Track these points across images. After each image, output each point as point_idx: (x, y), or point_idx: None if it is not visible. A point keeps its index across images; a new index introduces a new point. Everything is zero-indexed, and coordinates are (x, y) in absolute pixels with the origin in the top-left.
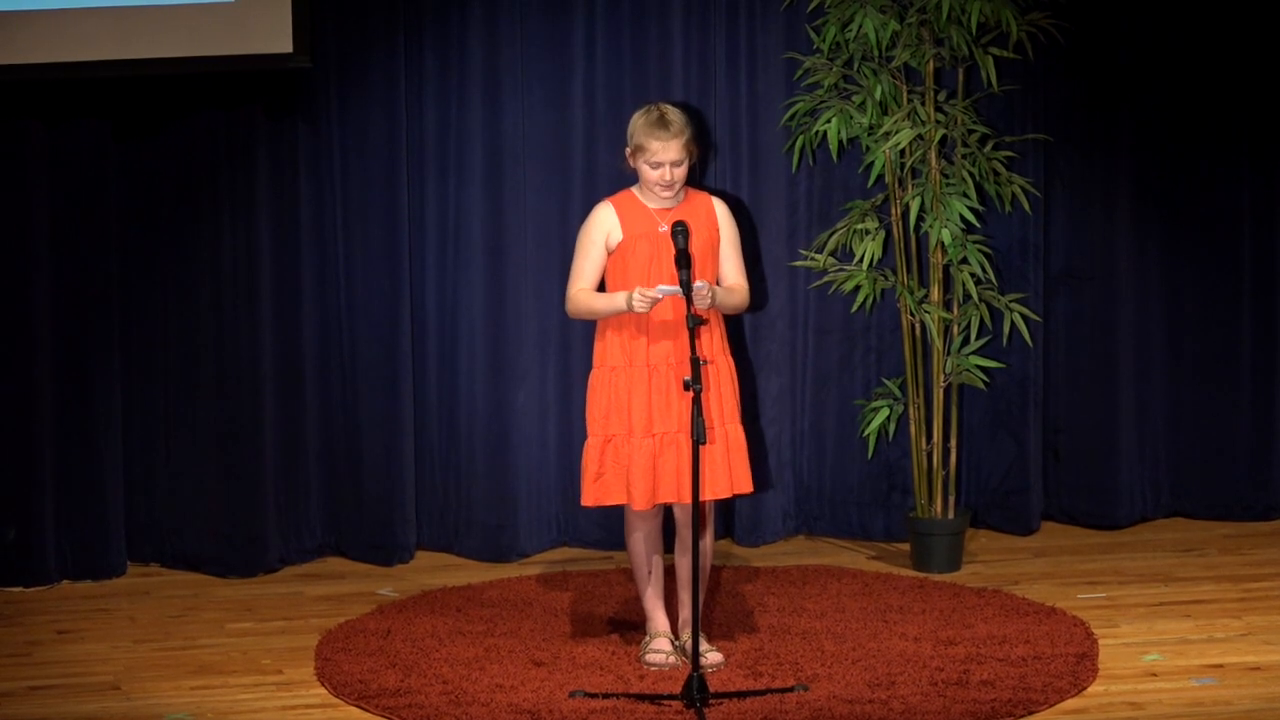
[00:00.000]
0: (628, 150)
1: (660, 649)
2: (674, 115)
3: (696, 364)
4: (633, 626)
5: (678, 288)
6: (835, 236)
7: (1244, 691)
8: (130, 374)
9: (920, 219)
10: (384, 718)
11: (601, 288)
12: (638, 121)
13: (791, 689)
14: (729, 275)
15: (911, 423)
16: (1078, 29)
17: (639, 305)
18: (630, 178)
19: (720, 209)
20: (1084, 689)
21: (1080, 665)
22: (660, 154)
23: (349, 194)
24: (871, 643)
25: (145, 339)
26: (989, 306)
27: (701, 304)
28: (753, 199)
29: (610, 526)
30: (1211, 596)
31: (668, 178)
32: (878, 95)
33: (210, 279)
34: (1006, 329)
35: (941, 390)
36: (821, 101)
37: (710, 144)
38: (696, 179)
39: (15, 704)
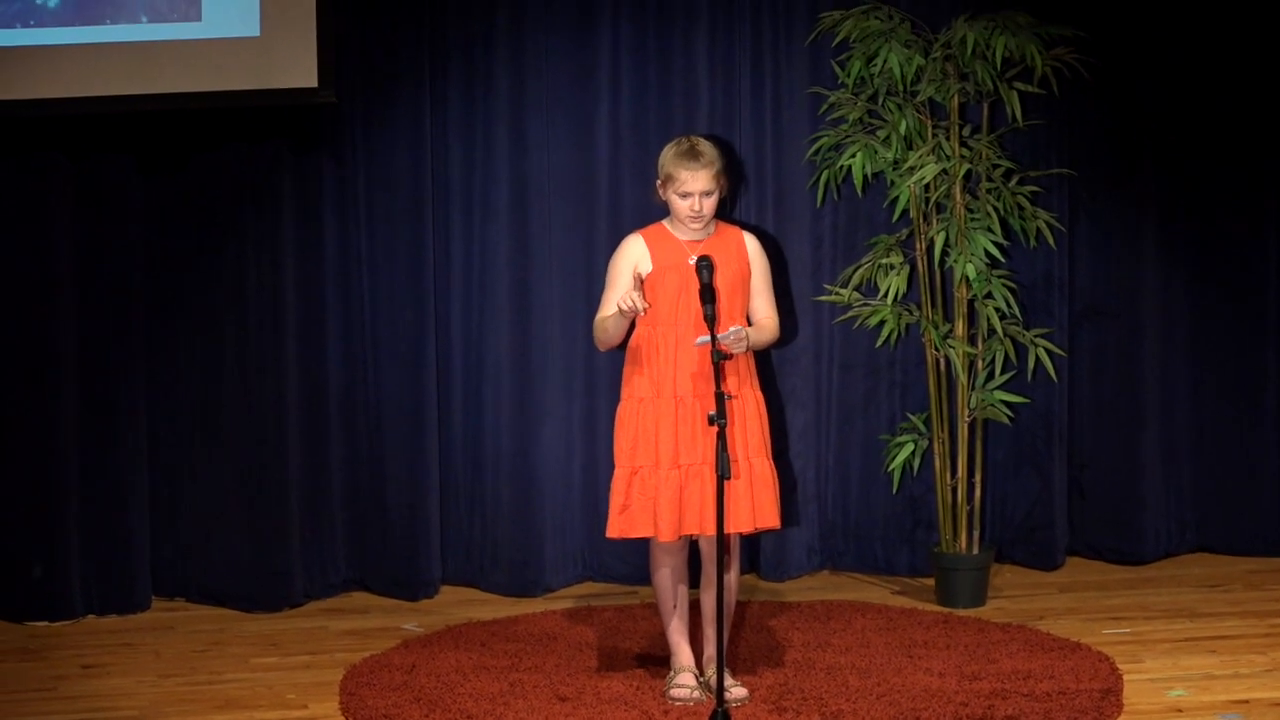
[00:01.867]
0: (658, 182)
1: (685, 684)
2: (705, 146)
3: (721, 399)
4: (658, 661)
5: (708, 337)
6: (860, 271)
7: None
8: (155, 409)
9: (945, 253)
10: None
11: (632, 323)
12: (668, 152)
13: None
14: (759, 310)
15: (936, 457)
16: (1103, 64)
17: (629, 309)
18: (660, 211)
19: (751, 244)
20: None
21: (1105, 701)
22: (690, 184)
23: (374, 229)
24: (896, 678)
25: (170, 374)
26: (1013, 341)
27: (737, 348)
28: (778, 233)
29: (635, 561)
30: (1237, 632)
31: (697, 208)
32: (902, 130)
33: (235, 314)
34: (1031, 364)
35: (966, 425)
36: (846, 136)
37: (741, 177)
38: (727, 213)
39: None
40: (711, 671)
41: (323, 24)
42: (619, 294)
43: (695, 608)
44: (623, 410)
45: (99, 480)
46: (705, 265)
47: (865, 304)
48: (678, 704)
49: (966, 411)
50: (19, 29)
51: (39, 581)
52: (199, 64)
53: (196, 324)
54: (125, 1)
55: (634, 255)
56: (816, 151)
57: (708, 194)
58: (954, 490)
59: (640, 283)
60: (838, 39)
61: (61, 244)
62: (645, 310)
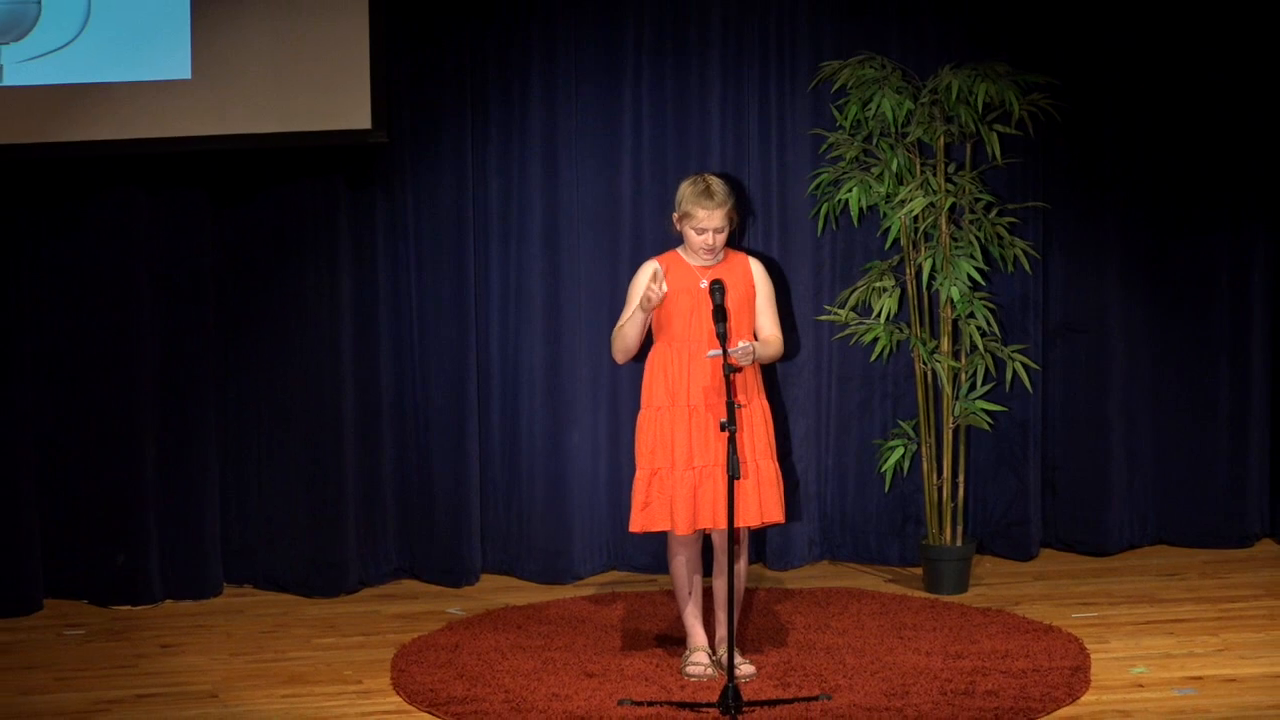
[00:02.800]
0: (675, 215)
1: (699, 662)
2: (718, 186)
3: (731, 407)
4: (675, 642)
5: (719, 351)
6: (856, 293)
7: (1221, 701)
8: (226, 417)
9: (932, 278)
10: None
11: (650, 338)
12: (685, 190)
13: (816, 698)
14: (764, 328)
15: (924, 460)
16: (1073, 108)
17: (650, 297)
18: (676, 239)
19: (757, 269)
20: (1078, 698)
21: (1074, 677)
22: (705, 221)
23: (421, 255)
24: (888, 656)
25: (239, 386)
26: (993, 356)
27: (744, 361)
28: (782, 259)
29: (655, 552)
30: (1192, 616)
31: (710, 242)
32: (894, 167)
33: (297, 330)
34: (1009, 376)
35: (951, 431)
36: (844, 172)
37: (750, 210)
38: (735, 241)
39: (124, 711)
40: (723, 651)
41: (376, 72)
42: (634, 305)
43: (708, 594)
44: (642, 418)
45: (176, 479)
46: (718, 288)
47: (861, 323)
48: (693, 680)
49: (951, 419)
50: (108, 71)
51: (122, 570)
52: (266, 106)
53: (263, 339)
54: (211, 62)
55: (649, 271)
56: (817, 186)
57: (719, 230)
58: (940, 489)
59: (661, 288)
60: (836, 86)
61: (141, 268)
62: (664, 293)
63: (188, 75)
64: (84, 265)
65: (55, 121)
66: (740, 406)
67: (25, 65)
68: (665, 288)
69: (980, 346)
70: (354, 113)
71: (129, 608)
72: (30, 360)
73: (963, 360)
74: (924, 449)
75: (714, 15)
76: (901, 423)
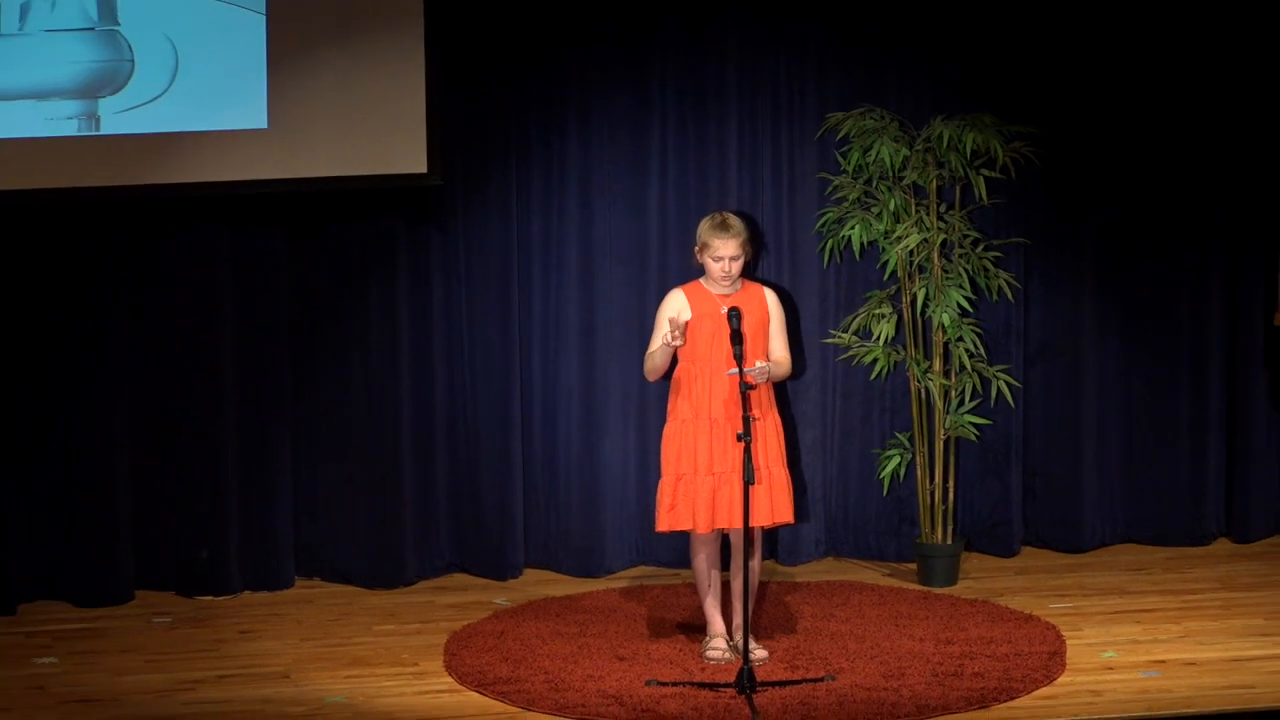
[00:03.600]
0: (696, 248)
1: (718, 647)
2: (733, 220)
3: (747, 420)
4: (696, 629)
5: (737, 369)
6: (858, 319)
7: (1182, 682)
8: (297, 429)
9: (925, 305)
10: (497, 701)
11: (675, 358)
12: (705, 225)
13: (821, 679)
14: (776, 350)
15: (918, 467)
16: (1051, 155)
17: (672, 340)
18: (698, 271)
19: (770, 297)
20: (1054, 679)
21: (1052, 661)
22: (722, 250)
23: (471, 287)
24: (885, 642)
25: (310, 401)
26: (980, 375)
27: (759, 379)
28: (792, 289)
29: (679, 549)
30: (1157, 607)
31: (727, 269)
32: (891, 207)
33: (361, 352)
34: (994, 393)
35: (942, 442)
36: (847, 212)
37: (763, 244)
38: (750, 272)
39: (205, 689)
40: (739, 637)
41: (431, 122)
42: (662, 335)
43: (726, 586)
44: (668, 429)
45: (253, 484)
46: (735, 314)
47: (862, 345)
48: (712, 663)
49: (942, 431)
50: (195, 121)
51: (205, 564)
52: (333, 153)
53: (331, 359)
54: (287, 113)
55: (676, 305)
56: (823, 224)
57: (735, 258)
58: (932, 493)
59: (683, 327)
60: (840, 135)
61: (224, 297)
62: (681, 343)
63: (264, 125)
64: (174, 292)
65: (148, 166)
66: (755, 419)
67: (121, 116)
68: (683, 339)
69: (968, 366)
70: (411, 159)
71: (211, 598)
72: (125, 377)
73: (952, 379)
74: (918, 458)
75: (730, 73)
76: (898, 434)
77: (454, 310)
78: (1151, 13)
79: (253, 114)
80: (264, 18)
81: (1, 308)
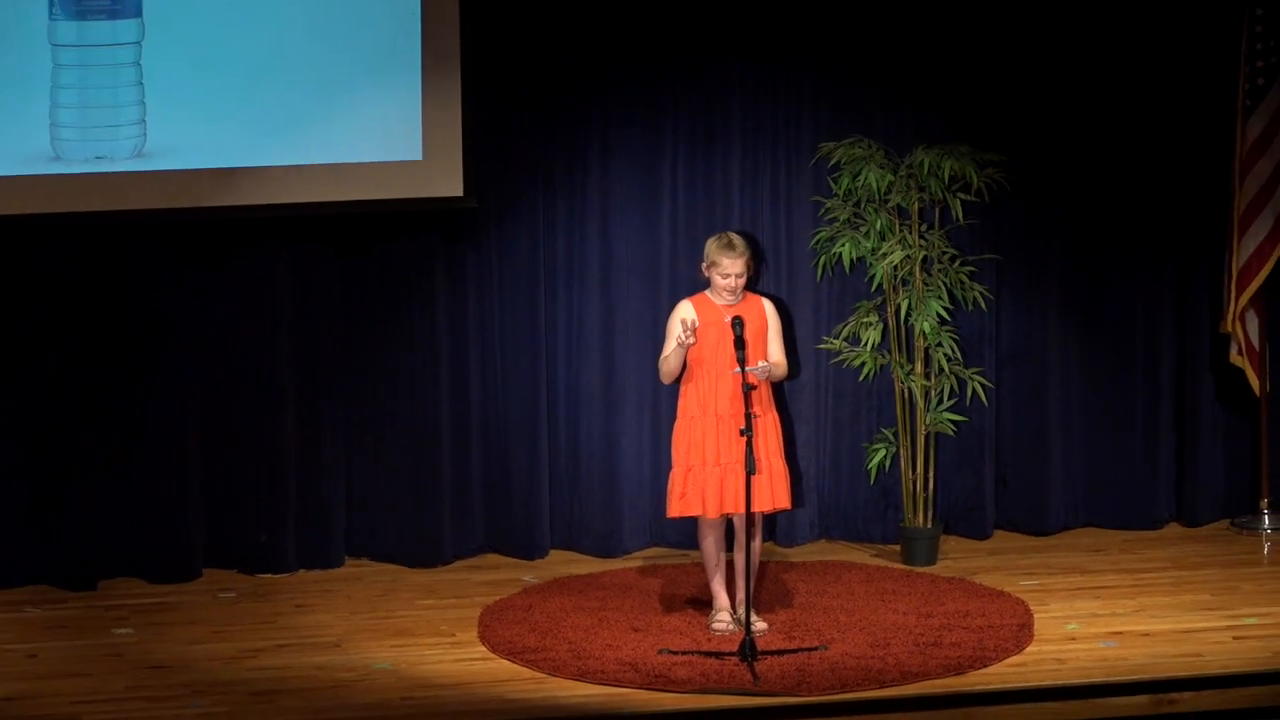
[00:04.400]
0: (704, 265)
1: (723, 620)
2: (738, 240)
3: (749, 417)
4: (703, 604)
5: (740, 369)
6: (848, 327)
7: (1137, 651)
8: (349, 423)
9: (908, 315)
10: (526, 667)
11: (685, 365)
12: (712, 245)
13: (815, 648)
14: (774, 354)
15: (901, 459)
16: (1020, 180)
17: (685, 338)
18: (705, 283)
19: (768, 307)
20: (1023, 649)
21: (1021, 632)
22: (729, 268)
23: (503, 297)
24: (872, 616)
25: (358, 399)
26: (956, 377)
27: (759, 378)
28: (789, 299)
29: (688, 532)
30: (1114, 584)
31: (732, 284)
32: (878, 227)
33: (404, 355)
34: (969, 394)
35: (923, 436)
36: (838, 231)
37: (763, 259)
38: (752, 285)
39: (266, 657)
40: (741, 611)
41: (466, 151)
42: (673, 342)
43: (731, 565)
44: (678, 425)
45: (308, 473)
46: (738, 323)
47: (851, 350)
48: (718, 634)
49: (923, 427)
50: (260, 157)
51: (265, 545)
52: (379, 179)
53: (377, 362)
54: (334, 141)
55: (685, 314)
56: (816, 242)
57: (740, 275)
58: (914, 482)
59: (693, 327)
60: (832, 162)
61: (282, 306)
62: (693, 341)
63: (323, 158)
64: (239, 302)
65: (218, 191)
66: (756, 416)
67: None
68: (694, 338)
69: (946, 369)
70: (449, 183)
71: (270, 575)
72: (197, 378)
73: (932, 380)
74: (901, 450)
75: (733, 108)
76: (883, 429)
77: (487, 318)
78: (1110, 57)
79: (312, 147)
80: (331, 61)
81: (92, 314)
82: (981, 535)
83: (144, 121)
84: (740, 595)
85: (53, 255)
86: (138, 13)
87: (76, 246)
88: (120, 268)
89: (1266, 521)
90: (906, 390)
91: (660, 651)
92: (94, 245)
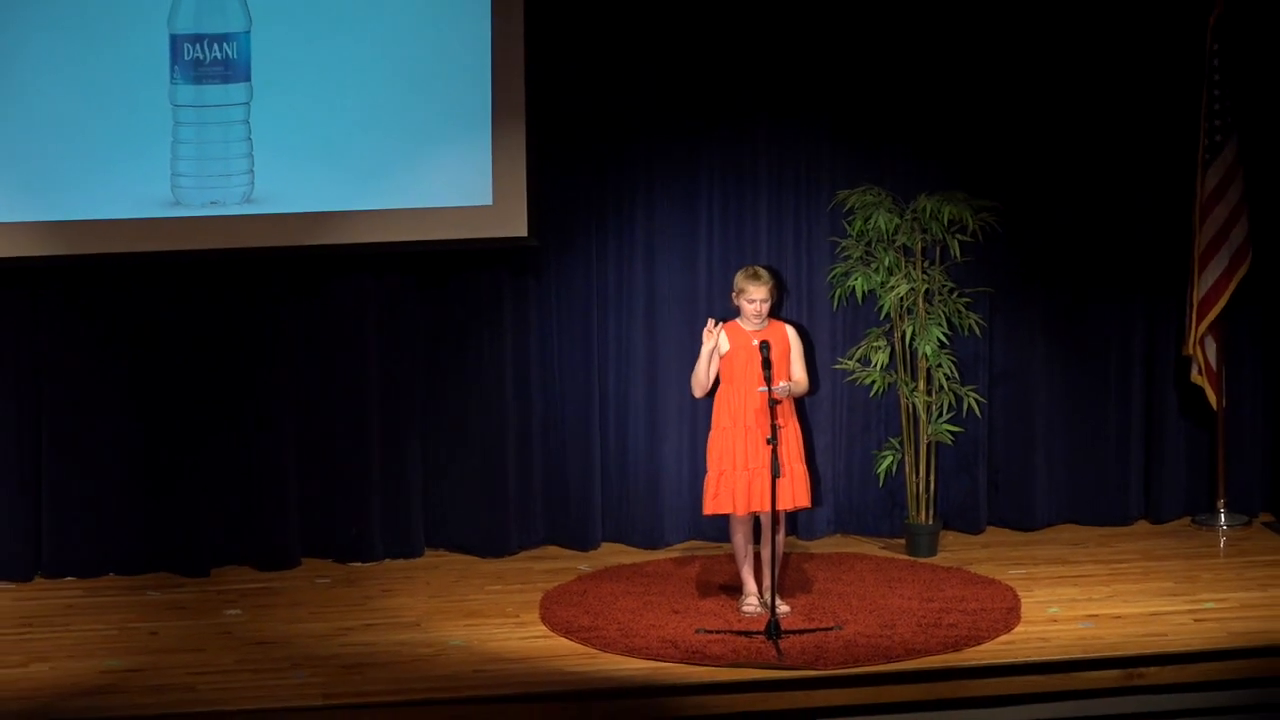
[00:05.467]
0: (734, 294)
1: (752, 604)
2: (763, 271)
3: (774, 429)
4: (734, 590)
5: (766, 388)
6: (860, 350)
7: (1111, 631)
8: (426, 430)
9: (912, 340)
10: (580, 644)
11: (718, 381)
12: (740, 275)
13: (831, 628)
14: (795, 374)
15: (906, 465)
16: (1010, 224)
17: (711, 329)
18: (736, 312)
19: (791, 332)
20: (1012, 629)
21: (1010, 615)
22: (754, 294)
23: (561, 324)
24: (881, 600)
25: (435, 410)
26: (954, 394)
27: (782, 394)
28: (809, 326)
29: (721, 527)
30: (1091, 574)
31: (758, 309)
32: (886, 263)
33: (476, 375)
34: (965, 408)
35: (925, 445)
36: (851, 267)
37: (786, 291)
38: (776, 313)
39: (355, 635)
40: (768, 596)
41: (530, 196)
42: (704, 351)
43: (758, 557)
44: (712, 435)
45: (392, 474)
46: (765, 346)
47: (863, 370)
48: (747, 615)
49: (925, 436)
50: (360, 201)
51: (355, 537)
52: (456, 222)
53: (451, 377)
54: (416, 188)
55: (709, 328)
56: (833, 276)
57: (765, 301)
58: (917, 485)
59: (718, 328)
60: (846, 207)
61: (369, 330)
62: (713, 345)
63: (408, 203)
64: (335, 324)
65: (319, 232)
66: (780, 427)
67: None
68: (725, 342)
69: (945, 387)
70: (515, 225)
71: (359, 564)
72: (297, 391)
73: (933, 396)
74: (906, 457)
75: (761, 159)
76: (891, 439)
77: (547, 342)
78: (1088, 115)
79: (397, 193)
80: (412, 118)
81: (207, 336)
82: (976, 530)
83: (252, 171)
84: (766, 582)
85: (173, 287)
86: (247, 77)
87: (194, 279)
88: (230, 297)
89: (1223, 519)
90: (911, 405)
91: (697, 631)
92: (208, 278)
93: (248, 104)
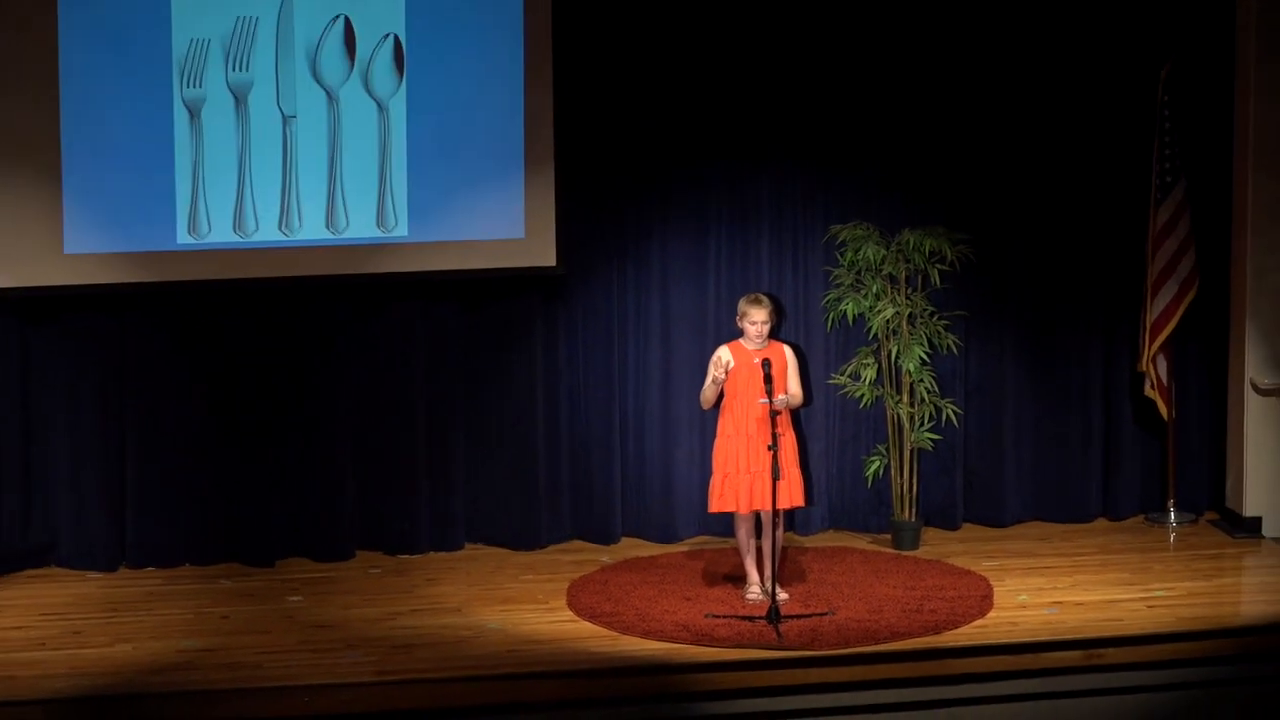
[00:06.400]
0: (738, 317)
1: (754, 592)
2: (764, 297)
3: (774, 437)
4: (738, 579)
5: (766, 400)
6: (850, 366)
7: (1073, 616)
8: (468, 441)
9: (897, 357)
10: (603, 627)
11: (723, 394)
12: (743, 300)
13: (825, 613)
14: (792, 388)
15: (891, 468)
16: (984, 255)
17: (716, 379)
18: (739, 333)
19: (788, 351)
20: (985, 615)
21: (983, 602)
22: (755, 316)
23: (585, 344)
24: (869, 588)
25: (475, 419)
26: (934, 405)
27: (780, 406)
28: (805, 345)
29: (726, 524)
30: (1055, 565)
31: (759, 330)
32: (874, 290)
33: (511, 388)
34: (944, 418)
35: (908, 451)
36: (843, 294)
37: (784, 314)
38: (775, 334)
39: (403, 619)
40: (768, 585)
41: (559, 231)
42: (712, 377)
43: (759, 550)
44: (718, 442)
45: (437, 477)
46: (766, 364)
47: (853, 384)
48: (750, 602)
49: (908, 443)
50: (412, 234)
51: (403, 532)
52: (492, 253)
53: (490, 392)
54: (460, 224)
55: (724, 357)
56: (826, 301)
57: (765, 323)
58: (901, 486)
59: (727, 368)
60: (839, 240)
61: (418, 348)
62: (723, 377)
63: (452, 236)
64: (384, 342)
65: (372, 262)
66: (779, 435)
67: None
68: (725, 375)
69: (926, 399)
70: (545, 256)
71: (407, 556)
72: (352, 401)
73: (915, 407)
74: (892, 461)
75: (763, 198)
76: (878, 445)
77: (573, 359)
78: (1054, 159)
79: (443, 228)
80: (456, 163)
81: (277, 351)
82: (953, 527)
83: (328, 207)
84: (767, 572)
85: (243, 307)
86: (329, 130)
87: (262, 300)
88: (294, 317)
89: (1173, 517)
90: (895, 415)
91: (706, 616)
92: (276, 299)
93: (330, 151)
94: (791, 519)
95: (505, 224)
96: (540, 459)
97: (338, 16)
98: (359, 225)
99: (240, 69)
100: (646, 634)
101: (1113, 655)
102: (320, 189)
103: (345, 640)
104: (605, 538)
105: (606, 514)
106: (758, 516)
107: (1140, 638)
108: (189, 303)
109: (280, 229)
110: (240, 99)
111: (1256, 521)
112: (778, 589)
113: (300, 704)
